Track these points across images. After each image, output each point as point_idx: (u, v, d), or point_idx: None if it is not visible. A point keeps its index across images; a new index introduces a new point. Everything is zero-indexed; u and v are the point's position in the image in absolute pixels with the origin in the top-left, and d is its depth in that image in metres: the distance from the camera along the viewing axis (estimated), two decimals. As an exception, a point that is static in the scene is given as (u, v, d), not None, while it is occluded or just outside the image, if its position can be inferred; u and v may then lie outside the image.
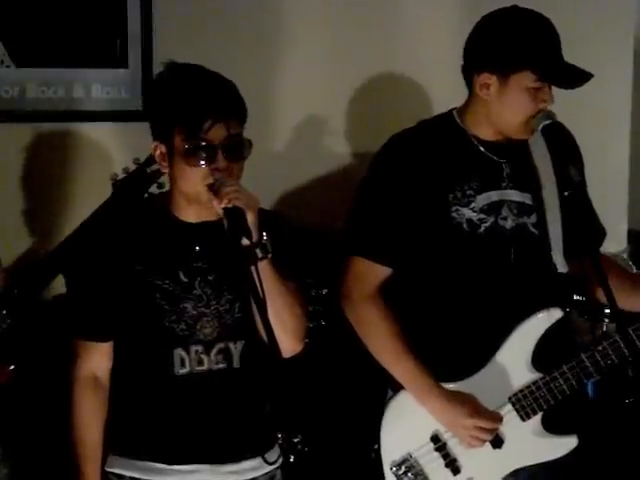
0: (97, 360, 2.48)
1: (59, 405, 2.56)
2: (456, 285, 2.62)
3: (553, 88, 2.59)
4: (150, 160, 3.39)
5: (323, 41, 3.85)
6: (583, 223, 2.56)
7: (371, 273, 2.64)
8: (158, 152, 2.40)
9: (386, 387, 2.70)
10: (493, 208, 2.61)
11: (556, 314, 2.62)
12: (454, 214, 2.60)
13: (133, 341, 2.45)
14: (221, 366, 2.43)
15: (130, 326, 2.44)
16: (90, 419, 2.48)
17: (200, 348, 2.42)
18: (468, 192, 2.60)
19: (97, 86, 3.61)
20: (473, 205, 2.60)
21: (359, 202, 2.68)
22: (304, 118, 3.87)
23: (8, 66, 3.55)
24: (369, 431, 2.70)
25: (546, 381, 2.59)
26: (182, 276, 2.41)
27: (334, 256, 2.78)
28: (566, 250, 2.66)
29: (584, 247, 2.55)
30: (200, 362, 2.42)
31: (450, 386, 2.62)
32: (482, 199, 2.61)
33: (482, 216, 2.61)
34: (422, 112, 2.78)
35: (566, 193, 2.54)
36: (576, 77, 2.54)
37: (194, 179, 2.34)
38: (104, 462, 2.50)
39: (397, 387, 2.65)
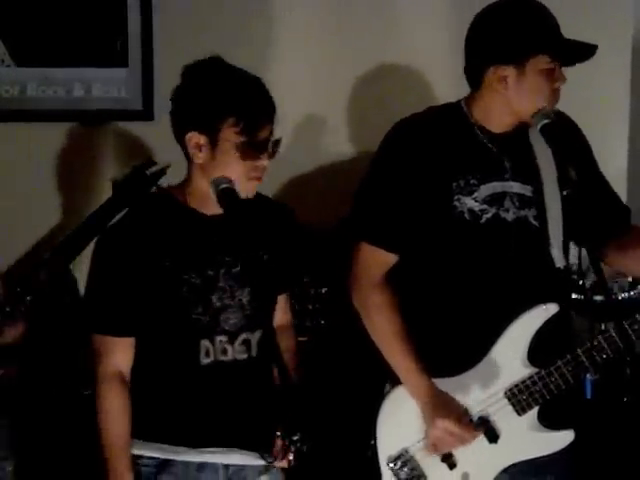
0: (121, 355, 2.51)
1: (65, 404, 2.57)
2: (455, 276, 2.63)
3: None
4: (149, 162, 3.43)
5: (322, 39, 3.86)
6: (586, 218, 2.57)
7: (377, 259, 2.65)
8: (194, 142, 2.44)
9: (384, 383, 2.71)
10: (495, 199, 2.62)
11: (552, 309, 2.62)
12: (456, 203, 2.60)
13: (159, 333, 2.49)
14: (244, 356, 2.51)
15: (156, 320, 2.48)
16: (120, 416, 2.50)
17: (224, 338, 2.49)
18: (472, 182, 2.61)
19: (97, 86, 3.63)
20: (476, 195, 2.61)
21: (365, 187, 2.69)
22: (303, 117, 3.88)
23: (8, 65, 3.57)
24: (367, 427, 2.70)
25: (542, 375, 2.60)
26: (207, 269, 2.48)
27: (334, 254, 2.79)
28: (577, 240, 2.68)
29: (585, 237, 2.58)
30: (224, 352, 2.50)
31: (447, 381, 2.63)
32: (485, 190, 2.62)
33: (484, 207, 2.62)
34: (423, 109, 2.78)
35: (564, 192, 2.54)
36: (584, 51, 2.57)
37: (239, 171, 2.43)
38: None
39: (395, 381, 2.67)
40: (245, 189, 2.44)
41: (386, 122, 2.75)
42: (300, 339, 3.59)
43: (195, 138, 2.44)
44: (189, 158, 2.48)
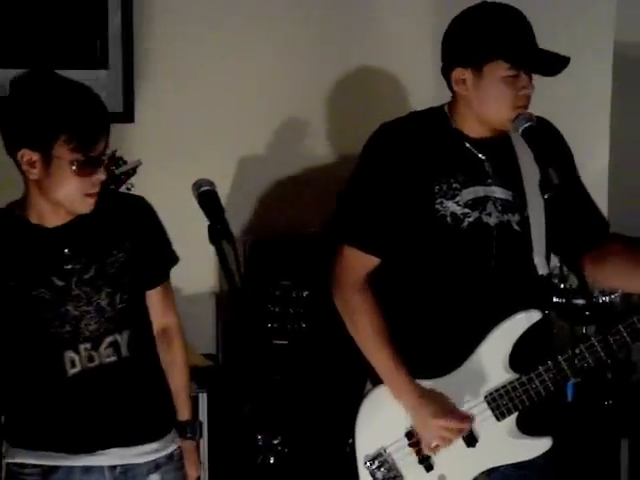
0: None
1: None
2: (437, 280, 2.62)
3: (535, 94, 2.59)
4: (119, 162, 3.40)
5: (304, 41, 3.86)
6: (566, 224, 2.57)
7: (360, 262, 2.64)
8: (27, 159, 2.39)
9: (364, 383, 2.71)
10: (478, 203, 2.61)
11: (535, 316, 2.61)
12: (438, 206, 2.59)
13: (21, 352, 2.48)
14: (112, 359, 2.50)
15: (14, 340, 2.48)
16: None
17: (88, 345, 2.48)
18: (454, 185, 2.60)
19: (78, 87, 3.61)
20: (458, 199, 2.60)
21: (348, 190, 2.68)
22: (285, 119, 3.88)
23: (-13, 66, 3.55)
24: (346, 427, 2.70)
25: (522, 382, 2.59)
26: (56, 281, 2.46)
27: (316, 256, 2.78)
28: (555, 248, 2.68)
29: (563, 247, 2.58)
30: (91, 359, 2.48)
31: (427, 383, 2.62)
32: (467, 193, 2.61)
33: (466, 210, 2.61)
34: (405, 112, 2.77)
35: (546, 196, 2.54)
36: (552, 62, 2.54)
37: (75, 188, 2.41)
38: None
39: (376, 381, 2.66)
40: (82, 205, 2.44)
41: (368, 125, 2.75)
42: (281, 342, 3.61)
43: (27, 155, 2.39)
44: (24, 174, 2.44)
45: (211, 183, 2.36)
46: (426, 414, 2.59)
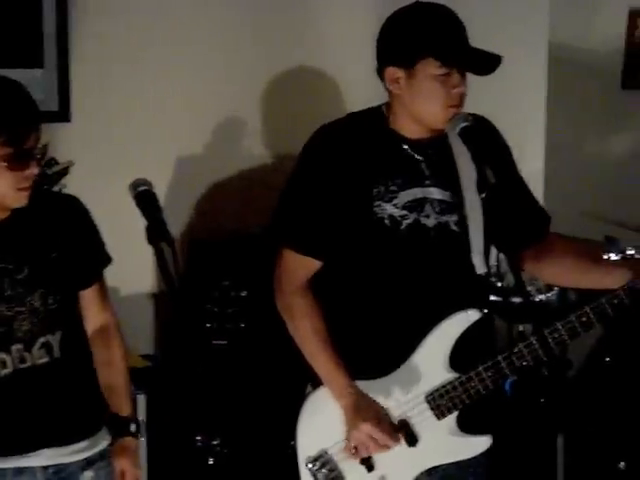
0: None
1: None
2: (376, 282, 2.63)
3: (468, 97, 2.60)
4: (51, 162, 3.37)
5: (241, 41, 3.85)
6: (504, 222, 2.60)
7: (300, 265, 2.64)
8: None
9: (305, 385, 2.71)
10: (416, 205, 2.62)
11: (474, 315, 2.63)
12: (376, 209, 2.60)
13: None
14: (44, 360, 2.48)
15: None
16: None
17: (20, 346, 2.46)
18: (392, 188, 2.61)
19: (13, 86, 3.56)
20: (396, 201, 2.61)
21: (288, 192, 2.68)
22: (223, 119, 3.87)
23: None
24: (287, 428, 2.70)
25: (462, 381, 2.61)
26: None
27: (255, 256, 2.77)
28: (496, 245, 2.71)
29: (505, 243, 2.61)
30: (22, 360, 2.46)
31: (368, 384, 2.63)
32: (405, 196, 2.62)
33: (404, 213, 2.62)
34: (342, 112, 2.78)
35: (483, 195, 2.57)
36: (483, 60, 2.54)
37: (8, 183, 2.40)
38: None
39: (317, 383, 2.67)
40: (16, 199, 2.43)
41: (307, 125, 2.76)
42: (220, 342, 3.60)
43: None
44: None
45: (148, 183, 2.35)
46: (358, 417, 2.59)
